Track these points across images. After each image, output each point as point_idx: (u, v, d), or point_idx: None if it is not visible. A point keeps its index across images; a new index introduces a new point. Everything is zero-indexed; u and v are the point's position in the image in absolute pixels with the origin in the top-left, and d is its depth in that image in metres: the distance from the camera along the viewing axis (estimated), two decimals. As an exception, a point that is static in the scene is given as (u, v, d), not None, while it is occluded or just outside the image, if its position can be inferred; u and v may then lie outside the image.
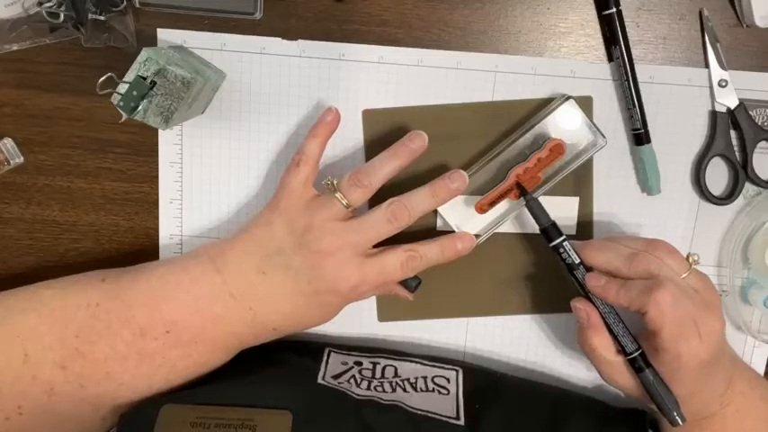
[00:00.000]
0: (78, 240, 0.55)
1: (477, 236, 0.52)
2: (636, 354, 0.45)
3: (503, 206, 0.51)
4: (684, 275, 0.45)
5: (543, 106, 0.52)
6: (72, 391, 0.45)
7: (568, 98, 0.50)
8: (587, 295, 0.47)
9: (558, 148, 0.50)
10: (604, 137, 0.50)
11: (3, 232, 0.55)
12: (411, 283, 0.50)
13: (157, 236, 0.54)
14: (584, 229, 0.54)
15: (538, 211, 0.48)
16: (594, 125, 0.50)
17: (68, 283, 0.48)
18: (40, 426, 0.45)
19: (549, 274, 0.55)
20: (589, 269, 0.47)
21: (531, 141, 0.50)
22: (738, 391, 0.48)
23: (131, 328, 0.45)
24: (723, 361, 0.45)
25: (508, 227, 0.53)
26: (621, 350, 0.46)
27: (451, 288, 0.55)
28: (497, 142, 0.52)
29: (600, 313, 0.47)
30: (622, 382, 0.47)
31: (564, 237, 0.48)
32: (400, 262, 0.46)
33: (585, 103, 0.52)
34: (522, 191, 0.50)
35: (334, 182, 0.46)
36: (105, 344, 0.45)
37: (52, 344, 0.45)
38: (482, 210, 0.50)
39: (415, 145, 0.47)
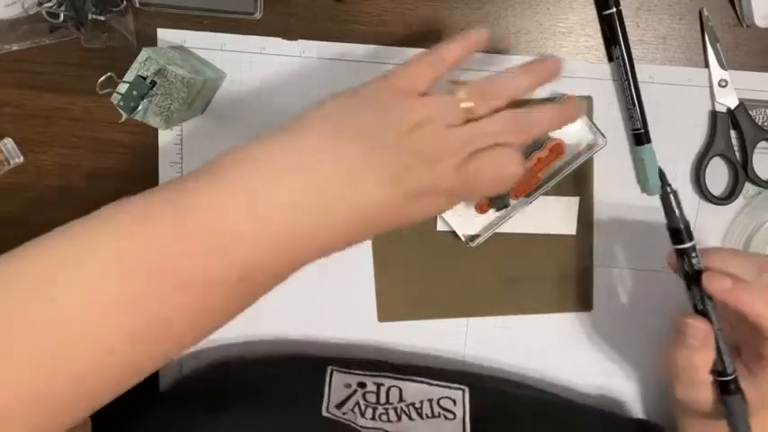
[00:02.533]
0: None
1: (476, 236, 0.52)
2: (733, 375, 0.42)
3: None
4: None
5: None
6: (154, 355, 0.36)
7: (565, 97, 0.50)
8: (700, 311, 0.43)
9: (558, 148, 0.50)
10: (604, 137, 0.50)
11: (2, 232, 0.55)
12: (499, 203, 0.46)
13: (157, 236, 0.54)
14: (585, 229, 0.54)
15: (675, 209, 0.42)
16: (594, 125, 0.50)
17: (99, 242, 0.34)
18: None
19: (550, 274, 0.55)
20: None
21: (530, 141, 0.50)
22: None
23: (195, 286, 0.34)
24: None
25: (508, 227, 0.53)
26: (717, 370, 0.43)
27: (451, 288, 0.55)
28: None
29: (714, 331, 0.42)
30: (701, 402, 0.44)
31: (695, 241, 0.42)
32: (518, 161, 0.39)
33: (585, 103, 0.52)
34: (662, 179, 0.43)
35: (461, 81, 0.39)
36: (162, 307, 0.34)
37: (114, 320, 0.33)
38: (482, 210, 0.50)
39: (553, 66, 0.41)
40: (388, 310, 0.56)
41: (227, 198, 0.34)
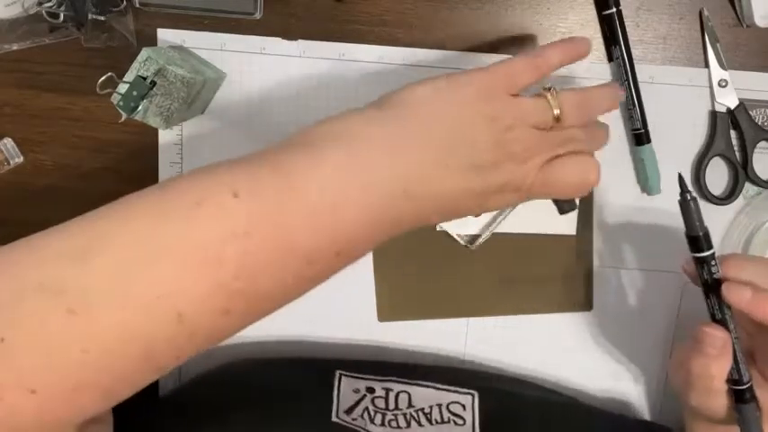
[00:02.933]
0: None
1: (477, 236, 0.52)
2: (749, 384, 0.42)
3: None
4: None
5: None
6: (237, 326, 0.36)
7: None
8: (724, 320, 0.42)
9: None
10: None
11: (2, 232, 0.55)
12: (565, 207, 0.46)
13: (157, 236, 0.54)
14: (585, 228, 0.54)
15: (694, 215, 0.41)
16: None
17: (195, 209, 0.33)
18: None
19: (551, 274, 0.55)
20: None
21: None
22: None
23: (297, 258, 0.34)
24: None
25: (508, 227, 0.53)
26: (732, 379, 0.42)
27: (452, 288, 0.55)
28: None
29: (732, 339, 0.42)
30: (715, 410, 0.43)
31: (714, 249, 0.41)
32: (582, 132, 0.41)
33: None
34: (682, 186, 0.41)
35: (556, 90, 0.40)
36: (269, 279, 0.34)
37: (209, 291, 0.33)
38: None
39: (617, 92, 0.44)
40: (389, 310, 0.56)
41: (326, 172, 0.34)
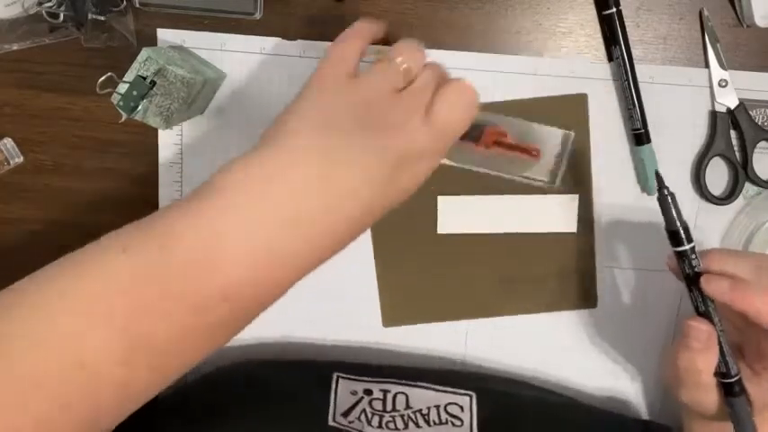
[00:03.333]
0: (78, 240, 0.55)
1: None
2: (738, 377, 0.42)
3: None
4: None
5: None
6: (148, 379, 0.37)
7: (570, 131, 0.51)
8: (701, 313, 0.42)
9: (535, 151, 0.50)
10: (557, 185, 0.52)
11: (3, 232, 0.55)
12: (473, 133, 0.45)
13: (157, 236, 0.54)
14: (585, 227, 0.54)
15: (673, 210, 0.42)
16: (563, 168, 0.51)
17: (86, 267, 0.37)
18: (125, 410, 0.38)
19: (552, 272, 0.55)
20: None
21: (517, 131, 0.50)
22: None
23: (183, 307, 0.35)
24: None
25: (509, 227, 0.53)
26: (720, 372, 0.42)
27: (455, 290, 0.55)
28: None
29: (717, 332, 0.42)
30: (706, 405, 0.44)
31: (694, 243, 0.42)
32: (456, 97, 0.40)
33: (580, 100, 0.52)
34: (660, 182, 0.42)
35: (383, 49, 0.41)
36: (161, 330, 0.35)
37: (103, 343, 0.35)
38: (485, 145, 0.50)
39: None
40: (393, 314, 0.55)
41: (202, 222, 0.35)
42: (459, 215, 0.52)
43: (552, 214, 0.53)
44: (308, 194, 0.36)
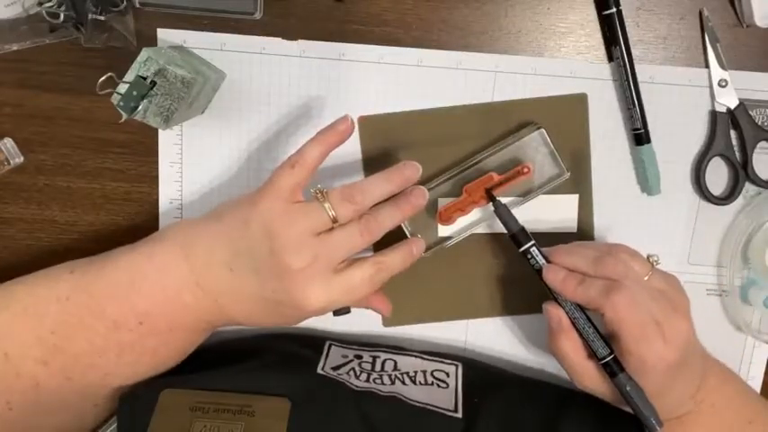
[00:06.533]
0: (78, 240, 0.55)
1: (449, 238, 0.52)
2: (608, 358, 0.44)
3: (475, 214, 0.51)
4: (647, 277, 0.44)
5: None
6: (59, 384, 0.45)
7: (539, 128, 0.50)
8: (557, 299, 0.46)
9: (525, 168, 0.50)
10: (568, 171, 0.51)
11: (3, 232, 0.55)
12: (341, 312, 0.48)
13: (157, 236, 0.54)
14: (585, 229, 0.54)
15: (507, 218, 0.48)
16: (559, 157, 0.51)
17: (39, 278, 0.47)
18: (32, 417, 0.45)
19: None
20: None
21: (497, 164, 0.51)
22: (712, 388, 0.47)
23: (104, 322, 0.44)
24: (693, 360, 0.45)
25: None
26: (593, 355, 0.45)
27: (454, 291, 0.55)
28: (496, 141, 0.52)
29: (569, 316, 0.46)
30: (595, 386, 0.46)
31: (533, 242, 0.47)
32: (369, 276, 0.44)
33: (580, 100, 0.52)
34: (490, 197, 0.48)
35: (325, 191, 0.43)
36: (82, 338, 0.44)
37: (30, 341, 0.44)
38: (445, 221, 0.50)
39: (408, 173, 0.45)
40: (393, 314, 0.55)
41: (134, 256, 0.46)
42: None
43: (552, 214, 0.53)
44: (205, 271, 0.45)
